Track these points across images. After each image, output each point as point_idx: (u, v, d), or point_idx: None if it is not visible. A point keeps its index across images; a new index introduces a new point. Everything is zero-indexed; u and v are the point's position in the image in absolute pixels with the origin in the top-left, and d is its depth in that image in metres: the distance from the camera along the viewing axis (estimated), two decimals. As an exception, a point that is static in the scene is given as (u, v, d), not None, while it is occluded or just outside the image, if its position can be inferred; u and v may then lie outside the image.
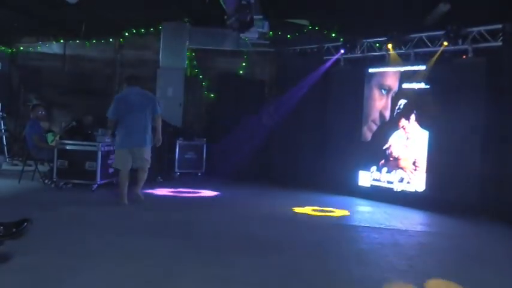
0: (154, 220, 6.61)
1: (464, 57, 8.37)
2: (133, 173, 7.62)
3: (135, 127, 7.40)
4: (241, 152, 10.88)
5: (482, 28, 8.11)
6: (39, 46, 13.09)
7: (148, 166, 7.64)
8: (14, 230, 4.14)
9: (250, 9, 7.93)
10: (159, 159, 9.35)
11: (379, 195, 9.18)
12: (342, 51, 10.04)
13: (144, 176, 7.62)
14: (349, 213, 7.87)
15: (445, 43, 8.32)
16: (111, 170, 8.80)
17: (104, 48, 12.87)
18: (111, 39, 12.76)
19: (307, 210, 7.93)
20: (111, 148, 8.75)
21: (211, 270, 4.48)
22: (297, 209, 7.93)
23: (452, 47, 8.42)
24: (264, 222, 6.89)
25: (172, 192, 9.10)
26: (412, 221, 7.56)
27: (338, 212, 7.85)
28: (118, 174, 7.73)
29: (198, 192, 9.21)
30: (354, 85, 9.92)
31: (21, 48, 13.12)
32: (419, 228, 7.14)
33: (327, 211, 7.90)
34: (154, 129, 7.65)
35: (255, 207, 8.08)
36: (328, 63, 10.20)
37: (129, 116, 7.38)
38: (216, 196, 9.06)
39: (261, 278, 4.37)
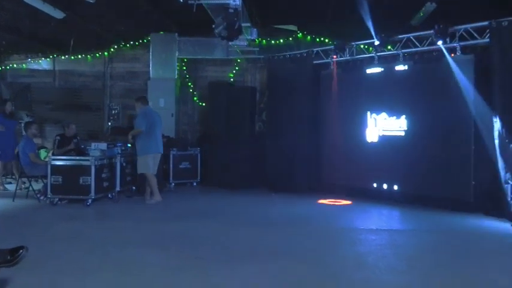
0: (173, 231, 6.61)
1: (452, 55, 8.42)
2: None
3: (159, 137, 9.04)
4: (236, 159, 10.87)
5: (469, 26, 8.17)
6: (28, 63, 13.06)
7: None
8: (9, 257, 4.09)
9: (237, 17, 7.92)
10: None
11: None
12: (335, 56, 10.05)
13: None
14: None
15: (439, 42, 8.33)
16: (105, 184, 8.79)
17: (94, 62, 12.86)
18: (100, 53, 12.74)
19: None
20: (104, 162, 8.74)
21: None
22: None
23: (441, 46, 8.47)
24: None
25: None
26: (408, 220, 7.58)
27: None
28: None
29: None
30: (348, 87, 9.97)
31: (11, 65, 13.09)
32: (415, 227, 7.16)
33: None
34: None
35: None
36: (335, 70, 10.17)
37: (154, 128, 8.91)
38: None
39: (260, 284, 4.37)
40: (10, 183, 11.01)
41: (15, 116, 10.78)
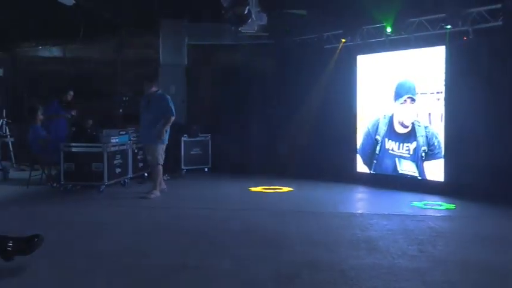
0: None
1: (465, 38, 8.31)
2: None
3: None
4: (247, 144, 10.89)
5: (482, 9, 8.05)
6: (38, 51, 13.09)
7: None
8: (24, 245, 4.15)
9: (247, 2, 7.89)
10: (165, 157, 9.33)
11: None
12: (343, 40, 9.96)
13: None
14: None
15: (448, 26, 8.22)
16: (118, 170, 8.85)
17: (104, 49, 12.86)
18: (110, 40, 12.74)
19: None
20: (117, 149, 8.79)
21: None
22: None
23: (453, 29, 8.35)
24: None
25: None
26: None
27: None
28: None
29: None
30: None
31: (22, 53, 13.14)
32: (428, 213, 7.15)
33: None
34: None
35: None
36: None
37: None
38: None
39: (272, 269, 4.40)
40: (24, 170, 11.11)
41: (72, 106, 10.07)
